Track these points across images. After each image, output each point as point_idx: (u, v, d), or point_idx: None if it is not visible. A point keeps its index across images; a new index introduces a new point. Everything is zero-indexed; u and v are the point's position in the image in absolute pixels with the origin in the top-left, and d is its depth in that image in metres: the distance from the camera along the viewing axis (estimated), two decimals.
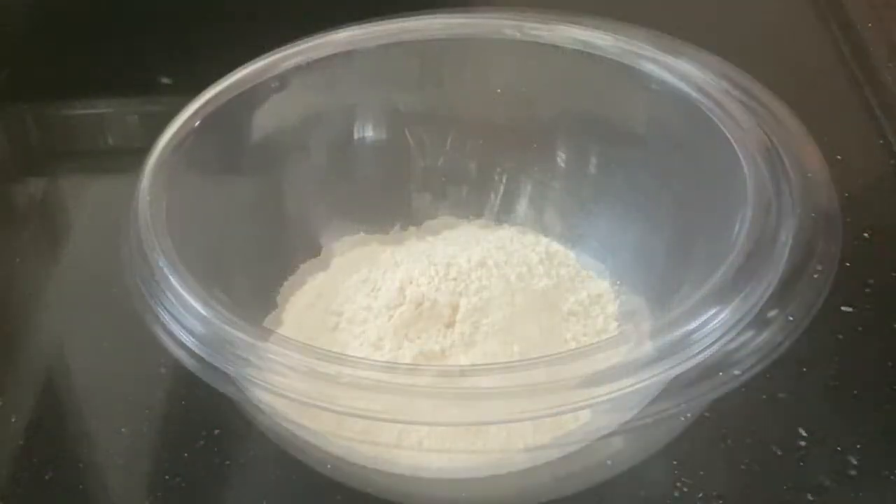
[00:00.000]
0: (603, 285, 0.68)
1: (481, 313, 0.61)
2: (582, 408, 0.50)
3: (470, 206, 0.74)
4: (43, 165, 0.92)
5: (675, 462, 0.59)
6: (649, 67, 0.66)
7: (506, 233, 0.71)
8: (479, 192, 0.74)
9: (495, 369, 0.50)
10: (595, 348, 0.50)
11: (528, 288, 0.64)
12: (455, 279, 0.63)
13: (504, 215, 0.73)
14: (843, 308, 0.67)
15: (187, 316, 0.52)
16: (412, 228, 0.73)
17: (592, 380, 0.48)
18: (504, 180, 0.74)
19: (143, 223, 0.57)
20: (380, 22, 0.69)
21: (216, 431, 0.63)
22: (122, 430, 0.64)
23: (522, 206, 0.73)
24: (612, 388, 0.48)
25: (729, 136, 0.60)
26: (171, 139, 0.63)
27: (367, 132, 0.72)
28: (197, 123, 0.64)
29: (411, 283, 0.62)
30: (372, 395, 0.48)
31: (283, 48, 0.69)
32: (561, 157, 0.72)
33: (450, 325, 0.61)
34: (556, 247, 0.71)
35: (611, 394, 0.48)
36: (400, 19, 0.70)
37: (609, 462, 0.58)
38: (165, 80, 0.95)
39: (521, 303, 0.63)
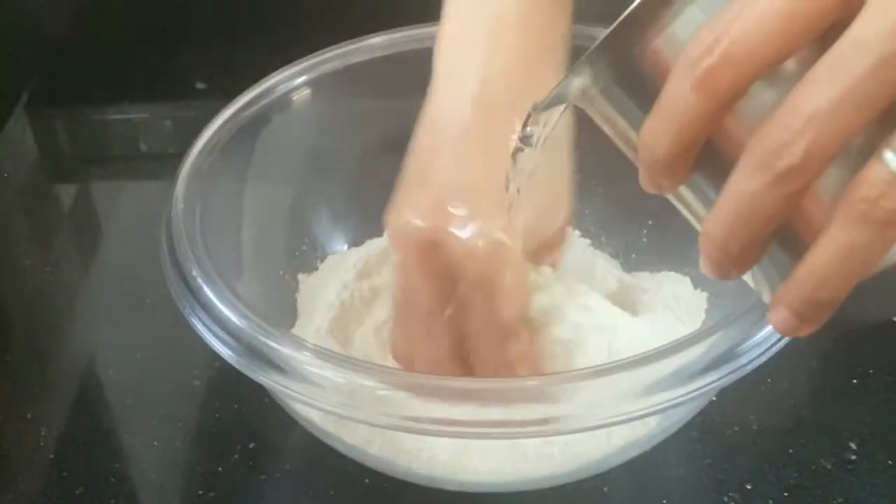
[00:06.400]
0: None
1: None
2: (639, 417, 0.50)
3: None
4: (74, 172, 0.93)
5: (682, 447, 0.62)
6: None
7: None
8: None
9: (541, 382, 0.50)
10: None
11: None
12: None
13: None
14: None
15: (222, 326, 0.53)
16: None
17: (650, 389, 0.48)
18: None
19: (177, 231, 0.58)
20: (421, 25, 0.69)
21: (251, 445, 0.64)
22: (155, 443, 0.65)
23: None
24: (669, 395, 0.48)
25: None
26: (205, 145, 0.64)
27: (406, 137, 0.72)
28: (232, 129, 0.65)
29: None
30: (420, 404, 0.49)
31: (319, 52, 0.70)
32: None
33: None
34: None
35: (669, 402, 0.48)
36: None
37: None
38: (200, 85, 0.97)
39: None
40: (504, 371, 0.56)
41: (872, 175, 0.33)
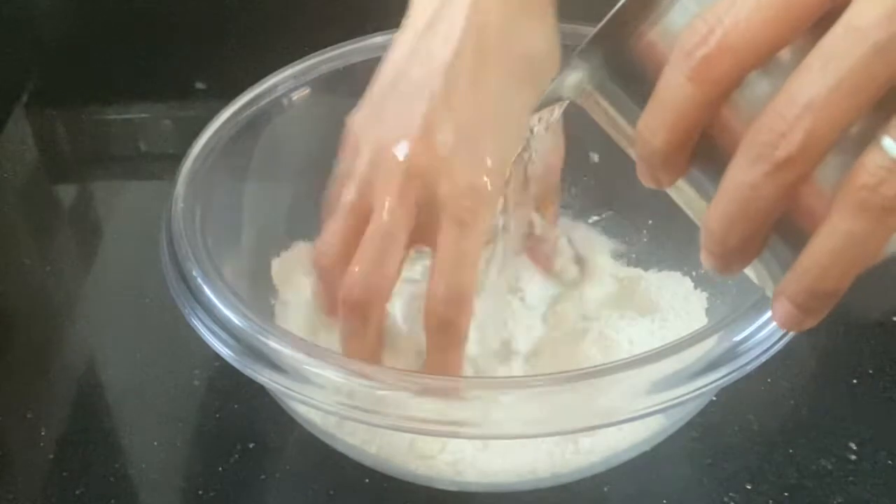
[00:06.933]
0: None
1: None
2: (646, 416, 0.49)
3: None
4: (74, 172, 0.93)
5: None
6: None
7: None
8: None
9: (544, 381, 0.50)
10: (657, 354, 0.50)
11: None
12: None
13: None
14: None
15: (222, 326, 0.53)
16: None
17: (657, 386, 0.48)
18: None
19: (177, 231, 0.58)
20: None
21: (251, 445, 0.63)
22: (155, 443, 0.65)
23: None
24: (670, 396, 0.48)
25: None
26: (205, 145, 0.64)
27: None
28: (232, 129, 0.65)
29: None
30: (419, 404, 0.49)
31: (318, 53, 0.70)
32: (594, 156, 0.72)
33: None
34: None
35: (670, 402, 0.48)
36: None
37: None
38: (200, 85, 0.96)
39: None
40: (451, 295, 0.55)
41: (871, 162, 0.33)
